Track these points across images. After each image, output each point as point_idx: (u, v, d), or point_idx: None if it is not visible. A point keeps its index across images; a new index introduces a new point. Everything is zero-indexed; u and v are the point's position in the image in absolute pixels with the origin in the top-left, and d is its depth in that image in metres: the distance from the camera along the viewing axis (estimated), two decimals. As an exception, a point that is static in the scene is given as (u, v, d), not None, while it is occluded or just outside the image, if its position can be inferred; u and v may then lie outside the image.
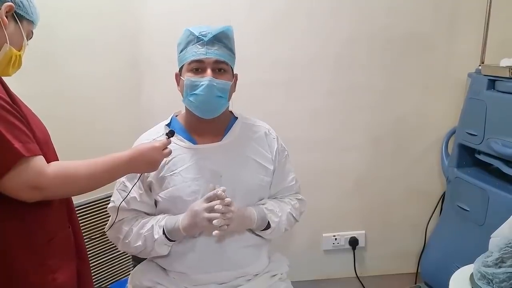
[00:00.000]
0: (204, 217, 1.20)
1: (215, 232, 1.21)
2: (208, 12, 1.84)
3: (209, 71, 1.24)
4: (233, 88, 1.34)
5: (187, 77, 1.26)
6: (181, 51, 1.29)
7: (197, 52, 1.24)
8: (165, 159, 1.22)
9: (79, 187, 1.06)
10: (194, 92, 1.24)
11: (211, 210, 1.20)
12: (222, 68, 1.27)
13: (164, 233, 1.25)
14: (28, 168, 0.95)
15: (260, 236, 1.37)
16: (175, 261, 1.31)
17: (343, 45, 1.95)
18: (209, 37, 1.24)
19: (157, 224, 1.27)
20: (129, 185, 1.30)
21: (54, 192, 1.01)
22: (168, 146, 1.19)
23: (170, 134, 1.22)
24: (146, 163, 1.15)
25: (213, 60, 1.24)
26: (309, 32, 1.93)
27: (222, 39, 1.26)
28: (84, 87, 1.75)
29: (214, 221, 1.19)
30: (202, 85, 1.23)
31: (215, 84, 1.24)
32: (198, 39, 1.25)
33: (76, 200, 1.55)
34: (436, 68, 2.01)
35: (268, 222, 1.33)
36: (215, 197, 1.22)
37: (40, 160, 0.98)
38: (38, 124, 1.08)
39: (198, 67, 1.25)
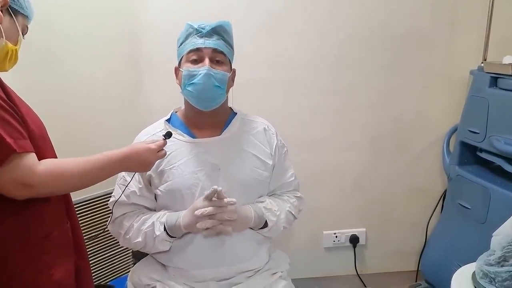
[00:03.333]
0: (204, 226, 1.21)
1: (205, 233, 1.23)
2: (207, 10, 1.83)
3: (207, 60, 1.25)
4: (230, 82, 1.34)
5: (185, 67, 1.27)
6: (181, 44, 1.31)
7: (195, 42, 1.27)
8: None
9: (71, 184, 1.05)
10: (192, 82, 1.25)
11: (211, 216, 1.21)
12: (220, 59, 1.28)
13: (165, 229, 1.26)
14: (19, 165, 0.94)
15: (259, 232, 1.37)
16: (175, 255, 1.31)
17: (342, 44, 1.94)
18: (207, 29, 1.27)
19: (158, 221, 1.28)
20: (129, 180, 1.30)
21: (45, 189, 1.00)
22: (164, 148, 1.19)
23: (167, 135, 1.21)
24: (140, 163, 1.15)
25: (211, 49, 1.26)
26: (308, 30, 1.92)
27: (220, 32, 1.29)
28: (82, 85, 1.74)
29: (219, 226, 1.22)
30: (200, 74, 1.24)
31: (212, 73, 1.25)
32: (197, 31, 1.28)
33: (76, 197, 1.56)
34: (437, 66, 2.00)
35: (266, 220, 1.33)
36: (215, 195, 1.21)
37: (32, 157, 0.97)
38: (34, 118, 1.07)
39: (196, 57, 1.27)
